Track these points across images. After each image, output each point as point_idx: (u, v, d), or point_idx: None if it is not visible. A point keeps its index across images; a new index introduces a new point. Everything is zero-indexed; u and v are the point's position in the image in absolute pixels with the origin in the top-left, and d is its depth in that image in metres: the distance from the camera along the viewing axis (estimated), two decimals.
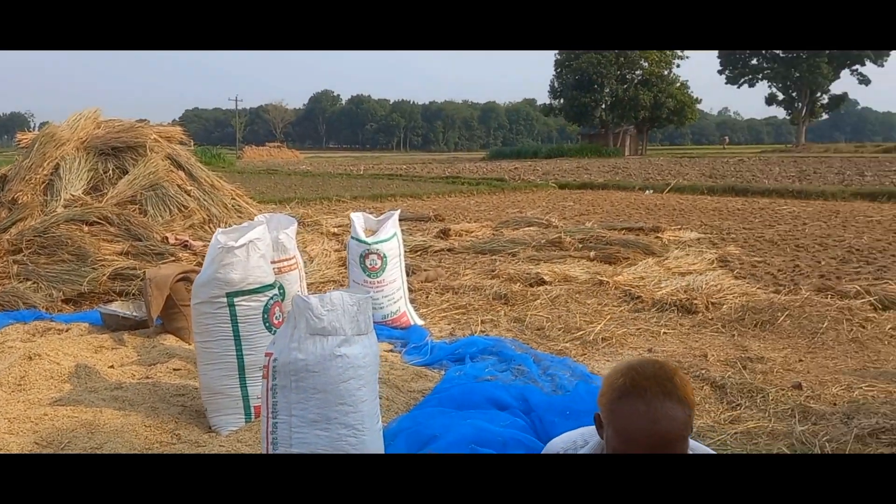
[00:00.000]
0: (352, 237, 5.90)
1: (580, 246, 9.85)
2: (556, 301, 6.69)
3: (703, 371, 4.72)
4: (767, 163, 34.06)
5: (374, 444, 2.48)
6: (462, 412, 3.64)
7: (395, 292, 5.88)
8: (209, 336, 3.73)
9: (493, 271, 8.14)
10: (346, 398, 2.39)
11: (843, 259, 8.99)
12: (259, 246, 3.76)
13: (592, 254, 9.13)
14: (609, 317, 6.14)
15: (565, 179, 24.82)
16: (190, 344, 5.01)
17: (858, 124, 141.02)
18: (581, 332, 5.65)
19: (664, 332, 5.73)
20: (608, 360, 5.07)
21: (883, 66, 63.99)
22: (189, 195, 8.50)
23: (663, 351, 5.24)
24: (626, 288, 7.19)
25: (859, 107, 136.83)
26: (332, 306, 2.38)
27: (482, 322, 6.06)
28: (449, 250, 9.99)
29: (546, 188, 22.51)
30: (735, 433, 3.85)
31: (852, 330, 5.50)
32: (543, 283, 7.51)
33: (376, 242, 5.78)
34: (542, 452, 1.90)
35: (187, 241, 7.72)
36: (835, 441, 3.60)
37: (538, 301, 6.67)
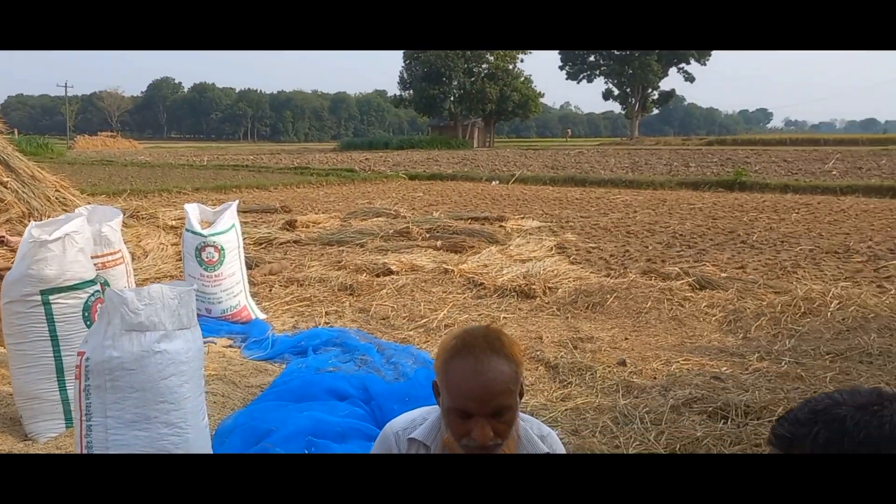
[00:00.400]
0: (186, 229, 5.65)
1: (428, 236, 9.98)
2: (401, 290, 6.74)
3: (539, 352, 4.93)
4: (604, 155, 35.98)
5: (198, 441, 2.39)
6: (300, 405, 3.59)
7: (234, 286, 5.70)
8: (22, 337, 3.46)
9: (339, 262, 8.09)
10: (166, 396, 2.29)
11: (668, 244, 9.66)
12: (77, 239, 3.52)
13: (439, 243, 9.29)
14: (452, 304, 6.27)
15: (415, 170, 25.04)
16: (2, 346, 4.63)
17: (685, 119, 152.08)
18: (425, 320, 5.73)
19: (504, 317, 5.93)
20: None
21: (706, 64, 69.38)
22: (5, 187, 7.81)
23: None
24: (471, 276, 7.36)
25: (686, 103, 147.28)
26: (150, 300, 2.27)
27: (327, 314, 6.01)
28: (295, 242, 9.82)
29: (396, 179, 22.62)
30: (565, 410, 4.05)
31: (672, 309, 5.93)
32: (390, 272, 7.55)
33: (213, 234, 5.57)
34: (381, 434, 1.90)
35: (3, 236, 7.10)
36: (653, 412, 3.86)
37: (384, 291, 6.70)
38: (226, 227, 5.67)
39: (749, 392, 3.98)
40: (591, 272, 7.58)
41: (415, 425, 1.86)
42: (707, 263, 8.11)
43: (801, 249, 9.04)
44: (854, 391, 1.28)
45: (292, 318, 5.96)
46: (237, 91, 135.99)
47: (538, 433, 1.86)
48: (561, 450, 1.87)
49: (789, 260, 8.33)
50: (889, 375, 4.26)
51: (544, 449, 1.83)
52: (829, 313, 5.37)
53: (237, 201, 6.25)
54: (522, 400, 4.43)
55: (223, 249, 5.60)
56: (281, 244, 9.64)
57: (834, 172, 21.25)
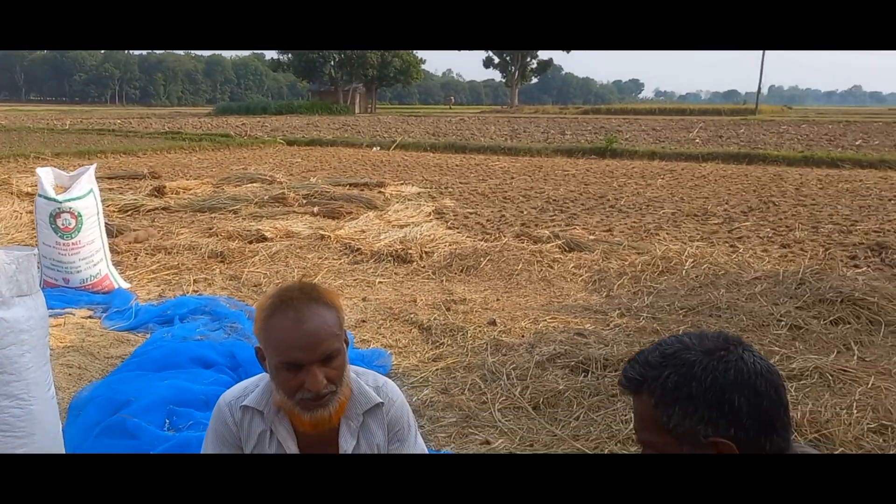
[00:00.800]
0: (39, 195, 5.30)
1: (304, 202, 9.82)
2: (275, 257, 6.62)
3: (413, 315, 4.98)
4: (485, 122, 36.41)
5: (44, 414, 2.28)
6: (162, 374, 3.47)
7: (94, 254, 5.41)
8: None
9: (210, 229, 7.83)
10: (6, 366, 2.16)
11: (542, 209, 9.94)
12: None
13: (316, 209, 9.16)
14: (328, 270, 6.22)
15: (294, 136, 24.47)
16: None
17: (563, 88, 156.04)
18: (337, 299, 5.64)
19: (379, 282, 5.94)
20: None
21: None
22: None
23: (376, 298, 5.43)
24: (347, 241, 7.31)
25: (563, 72, 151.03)
26: None
27: (195, 282, 5.82)
28: (164, 209, 9.42)
29: (274, 144, 22.05)
30: (437, 370, 4.13)
31: (542, 270, 6.13)
32: (264, 239, 7.39)
33: (69, 200, 5.26)
34: (216, 407, 1.87)
35: None
36: (519, 368, 4.00)
37: (257, 258, 6.56)
38: (83, 193, 5.36)
39: (609, 346, 4.19)
40: (468, 237, 7.70)
41: (247, 393, 1.84)
42: (577, 227, 8.41)
43: (664, 213, 9.52)
44: (702, 335, 1.33)
45: (158, 286, 5.74)
46: (103, 51, 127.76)
47: (373, 384, 1.87)
48: (398, 398, 1.90)
49: (653, 223, 8.76)
50: (735, 327, 4.58)
51: (377, 399, 1.84)
52: (684, 271, 5.71)
53: (94, 165, 5.91)
54: (393, 362, 4.41)
55: (80, 216, 5.29)
56: (148, 211, 9.23)
57: (697, 140, 22.43)
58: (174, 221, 8.58)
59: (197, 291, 5.60)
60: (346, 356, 1.75)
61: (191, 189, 10.89)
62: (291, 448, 1.82)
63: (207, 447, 1.88)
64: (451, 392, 3.84)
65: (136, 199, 9.69)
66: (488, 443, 3.34)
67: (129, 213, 9.10)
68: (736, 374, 1.26)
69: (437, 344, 4.52)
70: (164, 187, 10.53)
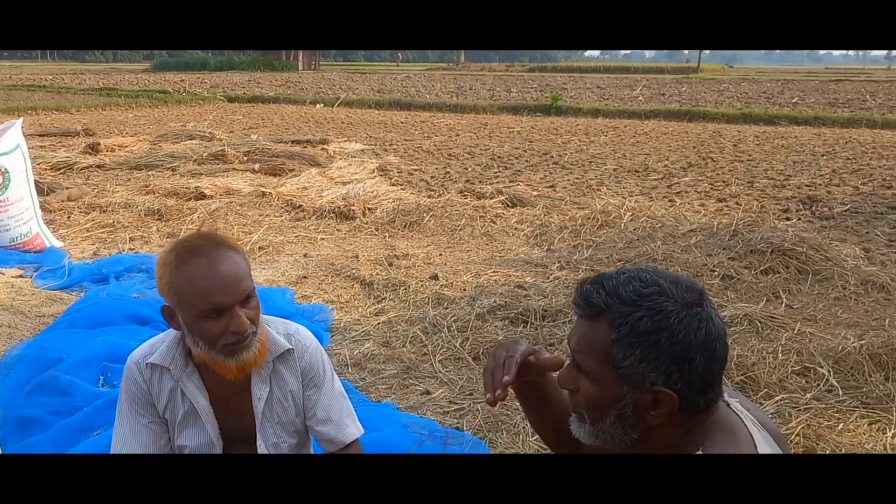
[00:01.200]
0: None
1: (245, 159, 9.63)
2: (214, 214, 6.50)
3: (354, 270, 4.97)
4: (431, 79, 36.06)
5: None
6: (95, 331, 3.41)
7: (23, 212, 5.23)
8: None
9: (147, 187, 7.63)
10: None
11: (487, 165, 9.95)
12: None
13: (257, 166, 9.00)
14: (268, 227, 6.15)
15: (235, 93, 23.87)
16: None
17: None
18: (238, 243, 5.57)
19: (321, 238, 5.90)
20: (264, 268, 5.10)
21: None
22: None
23: (318, 254, 5.40)
24: (289, 198, 7.22)
25: None
26: None
27: (131, 239, 5.69)
28: (99, 167, 9.14)
29: (214, 101, 21.49)
30: (378, 323, 4.14)
31: (485, 225, 6.16)
32: (203, 196, 7.24)
33: None
34: (125, 367, 1.84)
35: None
36: (460, 321, 4.04)
37: (195, 215, 6.43)
38: (9, 148, 5.16)
39: (548, 298, 4.26)
40: (412, 193, 7.67)
41: (153, 350, 1.82)
42: (521, 183, 8.46)
43: (606, 169, 9.63)
44: (677, 281, 1.27)
45: (93, 245, 5.60)
46: None
47: (283, 332, 1.87)
48: (311, 345, 1.90)
49: (595, 179, 8.87)
50: None
51: (286, 345, 1.84)
52: (622, 225, 5.81)
53: (21, 119, 5.68)
54: (335, 317, 4.41)
55: (7, 172, 5.10)
56: (82, 169, 8.94)
57: (640, 98, 22.65)
58: (109, 179, 8.34)
59: (133, 249, 5.48)
60: (258, 298, 1.75)
61: (127, 146, 10.57)
62: (202, 403, 1.81)
63: (122, 408, 1.85)
64: (393, 345, 3.87)
65: (69, 157, 9.37)
66: (428, 393, 3.38)
67: (62, 170, 8.80)
68: (706, 334, 1.24)
69: (379, 299, 4.53)
70: (99, 144, 10.20)
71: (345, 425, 1.95)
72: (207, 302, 1.62)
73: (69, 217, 6.38)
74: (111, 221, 6.18)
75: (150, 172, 8.76)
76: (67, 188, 7.39)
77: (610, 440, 1.32)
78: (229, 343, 1.65)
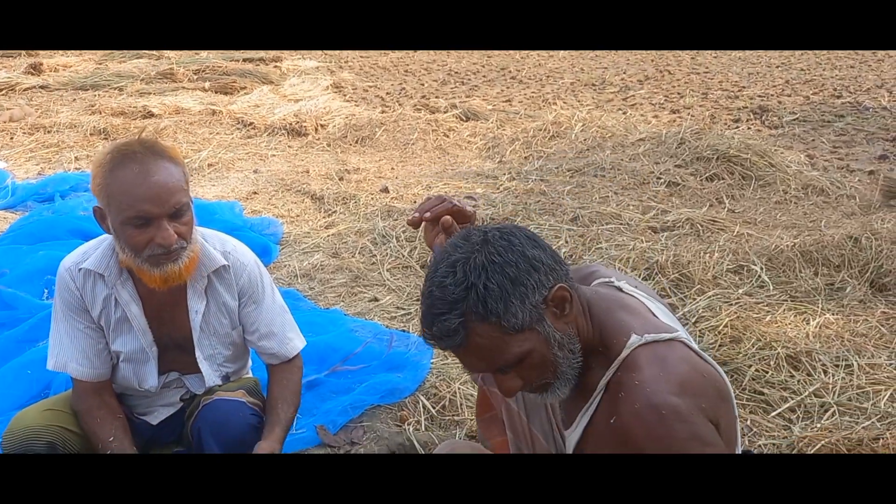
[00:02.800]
0: None
1: (195, 77, 9.38)
2: (162, 133, 6.37)
3: (305, 185, 4.96)
4: None
5: None
6: (38, 245, 3.38)
7: None
8: None
9: (93, 107, 7.42)
10: None
11: (444, 81, 9.83)
12: None
13: (207, 84, 8.77)
14: (218, 144, 6.06)
15: None
16: None
17: None
18: (187, 160, 5.47)
19: (272, 155, 5.84)
20: (213, 185, 5.06)
21: None
22: None
23: (269, 171, 5.36)
24: (240, 116, 7.08)
25: None
26: None
27: (77, 159, 5.59)
28: (42, 87, 8.82)
29: None
30: (328, 236, 4.17)
31: (437, 139, 6.15)
32: (151, 115, 7.08)
33: None
34: (57, 274, 1.84)
35: None
36: (409, 231, 4.07)
37: (143, 134, 6.29)
38: None
39: (496, 207, 4.31)
40: (365, 109, 7.58)
41: (86, 256, 1.81)
42: (477, 98, 8.38)
43: (563, 83, 9.58)
44: (447, 251, 1.27)
45: (37, 165, 5.48)
46: None
47: (220, 248, 1.88)
48: (249, 263, 1.92)
49: (551, 93, 8.82)
50: (618, 185, 4.77)
51: (222, 261, 1.85)
52: (573, 135, 5.84)
53: None
54: (284, 230, 4.42)
55: None
56: (24, 90, 8.63)
57: None
58: (53, 100, 8.08)
59: (79, 169, 5.38)
60: (193, 213, 1.75)
61: (71, 66, 10.20)
62: (134, 311, 1.82)
63: (57, 314, 1.86)
64: (342, 255, 3.91)
65: (9, 78, 9.02)
66: (376, 299, 3.45)
67: (3, 91, 8.49)
68: (503, 235, 1.26)
69: (330, 212, 4.54)
70: (42, 65, 9.82)
71: (288, 339, 1.98)
72: (134, 209, 1.62)
73: (11, 138, 6.21)
74: (56, 142, 6.04)
75: (95, 93, 8.50)
76: (9, 109, 7.16)
77: (571, 370, 1.31)
78: (155, 254, 1.65)
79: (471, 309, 1.22)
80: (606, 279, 1.47)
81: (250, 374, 2.17)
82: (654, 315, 1.38)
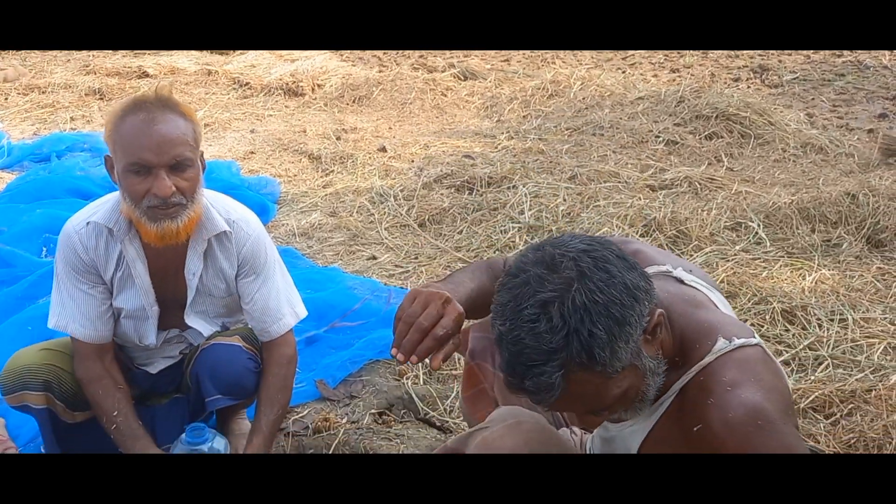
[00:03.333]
0: None
1: None
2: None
3: (302, 145, 4.94)
4: None
5: None
6: (33, 204, 3.38)
7: None
8: None
9: (88, 66, 7.35)
10: None
11: None
12: None
13: None
14: (213, 104, 6.02)
15: None
16: None
17: None
18: (194, 112, 5.47)
19: (269, 115, 5.81)
20: (210, 145, 5.03)
21: None
22: None
23: (266, 130, 5.34)
24: (236, 76, 7.01)
25: None
26: None
27: (73, 119, 5.56)
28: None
29: None
30: (325, 195, 4.18)
31: (435, 99, 6.10)
32: (147, 76, 7.01)
33: None
34: (62, 233, 1.83)
35: None
36: (407, 189, 4.08)
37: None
38: None
39: (494, 166, 4.29)
40: (362, 69, 7.50)
41: (95, 212, 1.81)
42: (475, 57, 8.30)
43: None
44: (543, 265, 1.14)
45: (33, 125, 5.45)
46: None
47: (224, 215, 1.86)
48: (254, 234, 1.90)
49: (550, 51, 8.73)
50: (616, 144, 4.75)
51: (223, 227, 1.84)
52: (572, 94, 5.80)
53: None
54: (282, 190, 4.41)
55: None
56: (19, 52, 8.54)
57: None
58: (48, 60, 7.97)
59: (75, 129, 5.35)
60: (201, 174, 1.74)
61: None
62: (139, 269, 1.82)
63: (60, 275, 1.84)
64: (340, 214, 3.91)
65: None
66: (374, 258, 3.46)
67: None
68: (598, 264, 1.13)
69: (327, 171, 4.53)
70: None
71: (280, 315, 1.94)
72: (134, 156, 1.63)
73: (6, 99, 6.17)
74: (51, 102, 6.00)
75: (90, 53, 8.38)
76: (3, 70, 7.09)
77: (656, 391, 1.25)
78: (152, 206, 1.65)
79: (573, 360, 1.10)
80: (662, 268, 1.36)
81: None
82: (715, 305, 1.33)
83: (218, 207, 1.87)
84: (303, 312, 2.01)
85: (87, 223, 1.78)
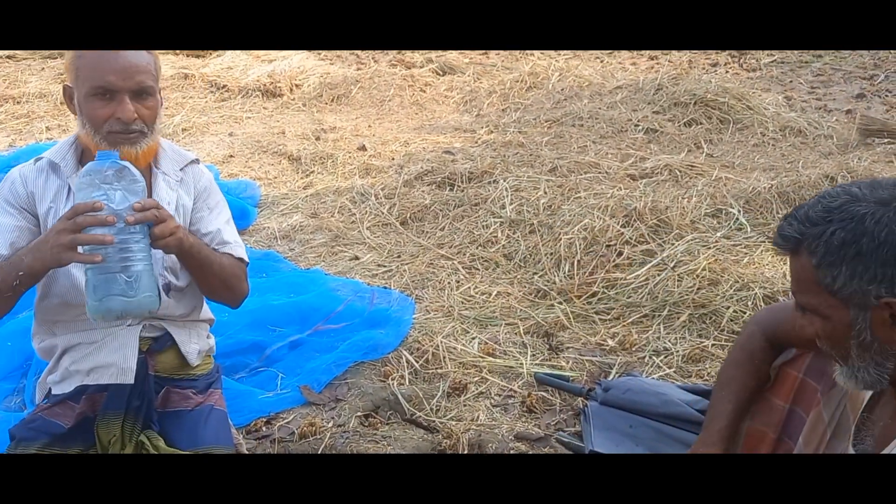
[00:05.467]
0: None
1: None
2: None
3: (281, 146, 4.91)
4: None
5: None
6: None
7: None
8: None
9: (63, 75, 7.26)
10: None
11: None
12: None
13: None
14: (191, 108, 5.96)
15: None
16: None
17: None
18: (161, 126, 5.42)
19: (247, 117, 5.77)
20: (188, 149, 4.98)
21: None
22: None
23: (244, 133, 5.30)
24: (213, 79, 6.97)
25: None
26: None
27: (48, 129, 5.49)
28: (9, 58, 8.60)
29: None
30: (306, 196, 4.15)
31: (414, 95, 6.08)
32: None
33: None
34: (7, 173, 1.76)
35: None
36: (388, 188, 4.06)
37: None
38: None
39: (474, 161, 4.28)
40: (340, 67, 7.47)
41: (44, 152, 1.78)
42: (453, 52, 8.28)
43: None
44: (874, 184, 1.16)
45: (8, 137, 5.39)
46: None
47: (182, 159, 1.86)
48: (207, 173, 1.90)
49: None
50: (595, 134, 4.76)
51: (192, 156, 1.86)
52: (550, 86, 5.80)
53: None
54: (262, 193, 4.37)
55: None
56: None
57: None
58: (22, 70, 7.89)
59: (51, 139, 5.29)
60: (159, 106, 1.73)
61: None
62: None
63: None
64: (321, 215, 3.89)
65: None
66: (357, 258, 3.44)
67: None
68: None
69: (307, 172, 4.51)
70: None
71: (240, 245, 1.89)
72: (99, 79, 1.63)
73: None
74: (25, 112, 5.93)
75: (64, 61, 8.33)
76: None
77: (868, 377, 1.22)
78: (113, 130, 1.64)
79: (808, 238, 1.17)
80: None
81: (208, 315, 2.01)
82: None
83: (175, 152, 1.87)
84: (247, 258, 1.92)
85: (35, 161, 1.75)
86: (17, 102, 6.27)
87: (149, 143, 1.70)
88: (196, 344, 1.92)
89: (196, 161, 1.89)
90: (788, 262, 1.24)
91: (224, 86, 6.66)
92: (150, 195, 1.75)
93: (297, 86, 6.55)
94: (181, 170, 1.84)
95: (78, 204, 1.48)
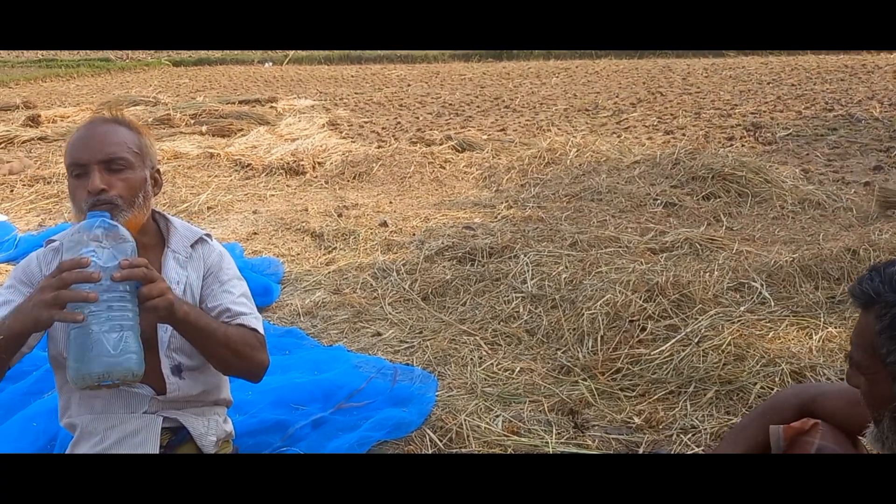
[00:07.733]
0: None
1: (192, 122, 9.49)
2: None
3: (304, 223, 4.98)
4: None
5: None
6: None
7: None
8: None
9: None
10: None
11: (438, 114, 9.93)
12: None
13: (204, 128, 8.88)
14: (217, 186, 6.10)
15: (180, 56, 23.29)
16: None
17: None
18: (186, 204, 5.55)
19: (271, 195, 5.88)
20: (213, 227, 5.08)
21: None
22: None
23: (268, 210, 5.40)
24: (238, 158, 7.16)
25: None
26: None
27: None
28: (41, 139, 8.93)
29: (159, 66, 20.97)
30: (329, 272, 4.19)
31: (434, 171, 6.19)
32: None
33: None
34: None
35: None
36: (409, 264, 4.09)
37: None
38: None
39: (494, 236, 4.32)
40: (361, 145, 7.65)
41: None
42: (472, 128, 8.46)
43: (556, 109, 9.67)
44: None
45: (38, 216, 5.53)
46: None
47: (192, 236, 1.85)
48: (217, 247, 1.89)
49: (545, 120, 8.90)
50: (615, 209, 4.80)
51: (202, 232, 1.85)
52: (568, 161, 5.88)
53: None
54: (285, 269, 4.37)
55: None
56: (23, 142, 8.73)
57: None
58: (52, 151, 8.16)
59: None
60: (147, 183, 1.72)
61: (69, 117, 10.33)
62: None
63: (9, 280, 1.75)
64: (343, 292, 3.91)
65: (8, 131, 9.13)
66: (379, 334, 3.45)
67: (2, 145, 8.60)
68: None
69: (330, 249, 4.56)
70: (40, 116, 9.94)
71: (256, 319, 1.83)
72: (71, 157, 1.67)
73: (12, 191, 6.27)
74: (55, 192, 6.10)
75: None
76: (8, 162, 7.24)
77: (892, 447, 1.21)
78: (88, 203, 1.62)
79: (882, 301, 1.16)
80: None
81: (227, 396, 1.97)
82: None
83: (189, 230, 1.87)
84: (261, 329, 1.87)
85: (47, 243, 1.77)
86: (48, 182, 6.46)
87: (127, 218, 1.65)
88: (213, 435, 1.89)
89: (206, 237, 1.89)
90: (860, 314, 1.23)
91: (248, 164, 6.82)
92: (159, 274, 1.70)
93: (319, 163, 6.70)
94: (191, 247, 1.84)
95: (64, 261, 1.44)
